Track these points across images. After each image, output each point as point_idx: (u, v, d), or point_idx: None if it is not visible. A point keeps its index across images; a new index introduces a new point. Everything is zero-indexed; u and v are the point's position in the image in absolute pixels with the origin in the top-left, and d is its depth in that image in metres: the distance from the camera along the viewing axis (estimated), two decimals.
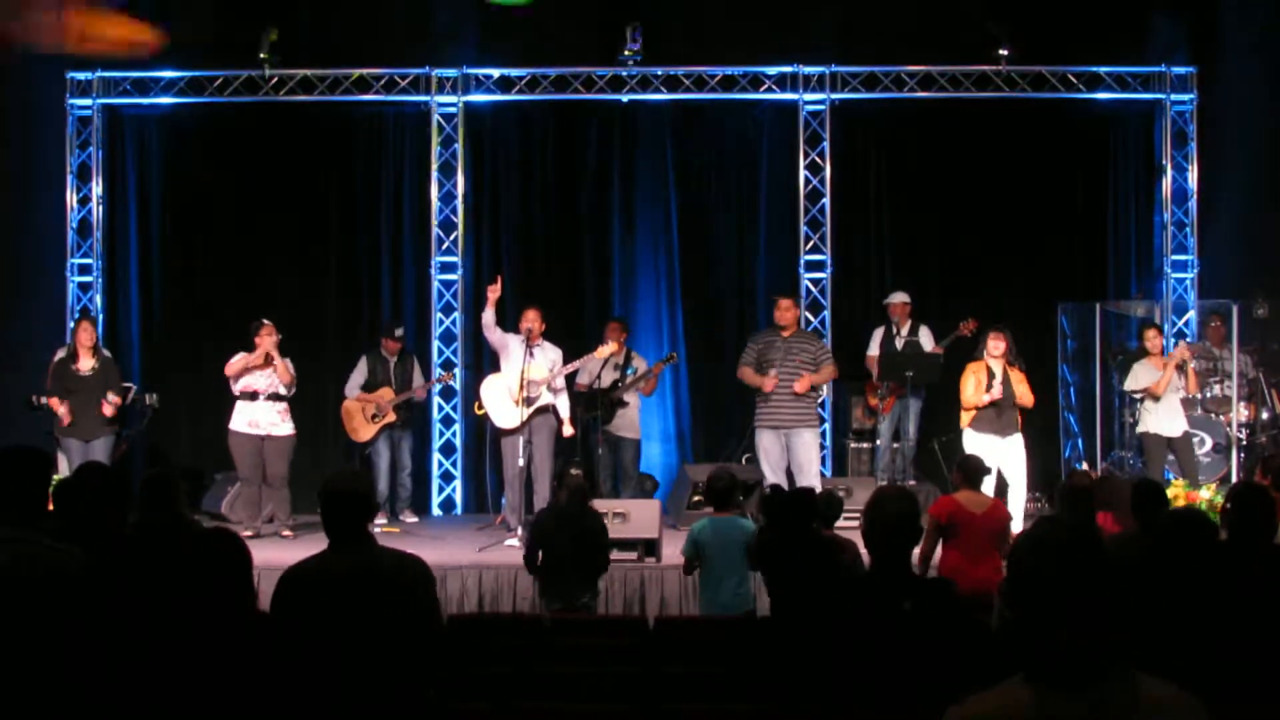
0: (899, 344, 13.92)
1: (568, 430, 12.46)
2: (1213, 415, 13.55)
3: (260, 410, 12.52)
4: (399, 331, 13.83)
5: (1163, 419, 12.58)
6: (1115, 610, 2.82)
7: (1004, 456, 12.03)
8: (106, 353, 13.23)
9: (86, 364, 12.59)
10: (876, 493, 5.34)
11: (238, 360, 12.56)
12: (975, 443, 12.08)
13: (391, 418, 13.45)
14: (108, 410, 12.62)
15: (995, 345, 12.10)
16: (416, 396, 13.88)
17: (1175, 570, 5.35)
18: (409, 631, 4.84)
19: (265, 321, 12.64)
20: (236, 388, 12.57)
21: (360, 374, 13.56)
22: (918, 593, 4.96)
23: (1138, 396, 12.87)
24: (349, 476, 5.18)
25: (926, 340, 13.93)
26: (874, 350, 14.10)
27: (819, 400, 12.34)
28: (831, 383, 14.58)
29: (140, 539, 6.67)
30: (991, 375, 12.03)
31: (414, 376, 13.73)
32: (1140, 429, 12.82)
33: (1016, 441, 12.13)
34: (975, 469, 9.30)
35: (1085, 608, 2.80)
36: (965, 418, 12.20)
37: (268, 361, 12.52)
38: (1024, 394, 12.11)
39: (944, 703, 2.96)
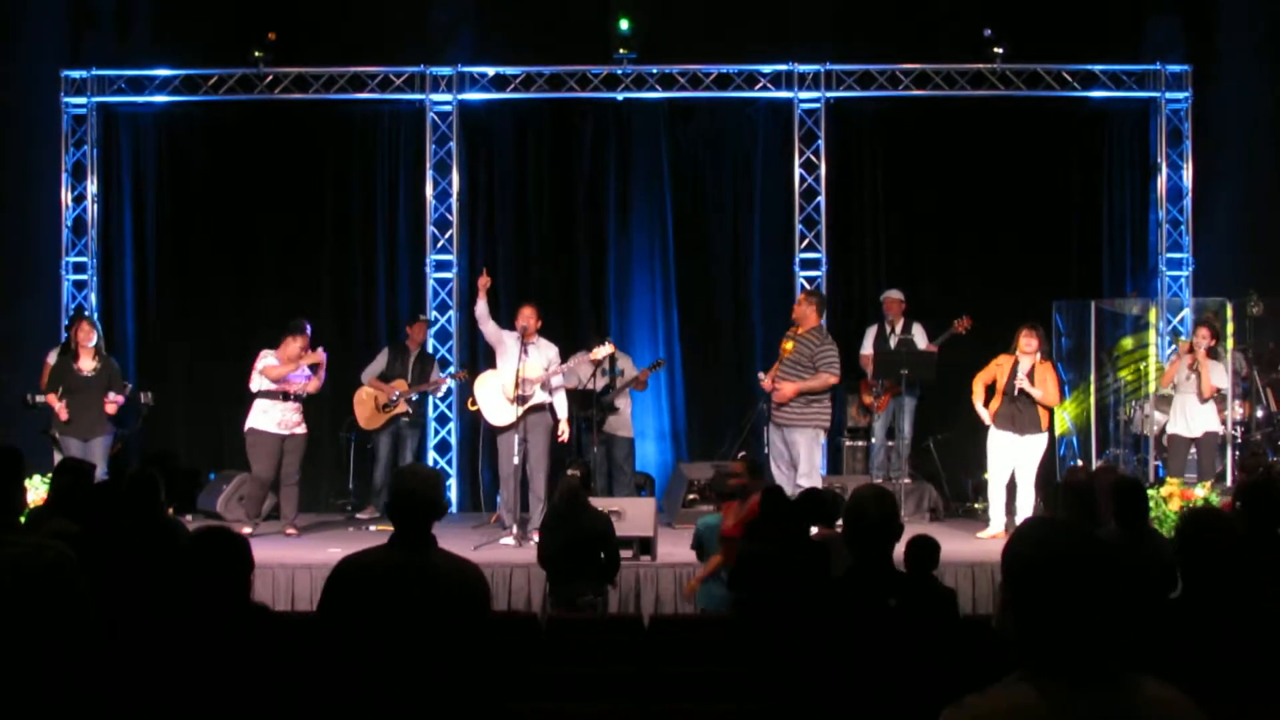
0: (892, 342, 13.91)
1: (563, 431, 12.41)
2: None
3: (289, 410, 12.56)
4: (423, 316, 14.02)
5: (1179, 419, 12.60)
6: (1114, 608, 2.82)
7: (1017, 455, 12.02)
8: (106, 354, 13.17)
9: (88, 364, 12.54)
10: (854, 493, 5.35)
11: (277, 366, 12.54)
12: (994, 440, 12.10)
13: (402, 408, 13.46)
14: (110, 408, 12.60)
15: (1028, 342, 12.02)
16: (433, 392, 13.89)
17: (1197, 570, 5.31)
18: (462, 634, 4.84)
19: (307, 328, 12.67)
20: (263, 385, 12.54)
21: (379, 364, 13.65)
22: (902, 590, 4.97)
23: (1165, 393, 12.93)
24: (422, 476, 5.16)
25: (920, 338, 13.93)
26: (867, 348, 14.08)
27: (821, 400, 12.05)
28: None
29: (134, 537, 6.67)
30: (1015, 373, 11.98)
31: (432, 374, 13.75)
32: (1169, 429, 12.80)
33: (1034, 441, 12.07)
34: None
35: (1084, 604, 2.80)
36: (985, 415, 12.18)
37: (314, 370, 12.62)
38: (1049, 394, 12.02)
39: (934, 701, 2.95)
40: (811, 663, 4.92)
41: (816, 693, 4.88)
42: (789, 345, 11.99)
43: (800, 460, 11.72)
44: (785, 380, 11.77)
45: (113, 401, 12.59)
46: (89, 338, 12.64)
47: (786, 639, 5.31)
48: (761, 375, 12.18)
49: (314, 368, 12.69)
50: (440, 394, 14.44)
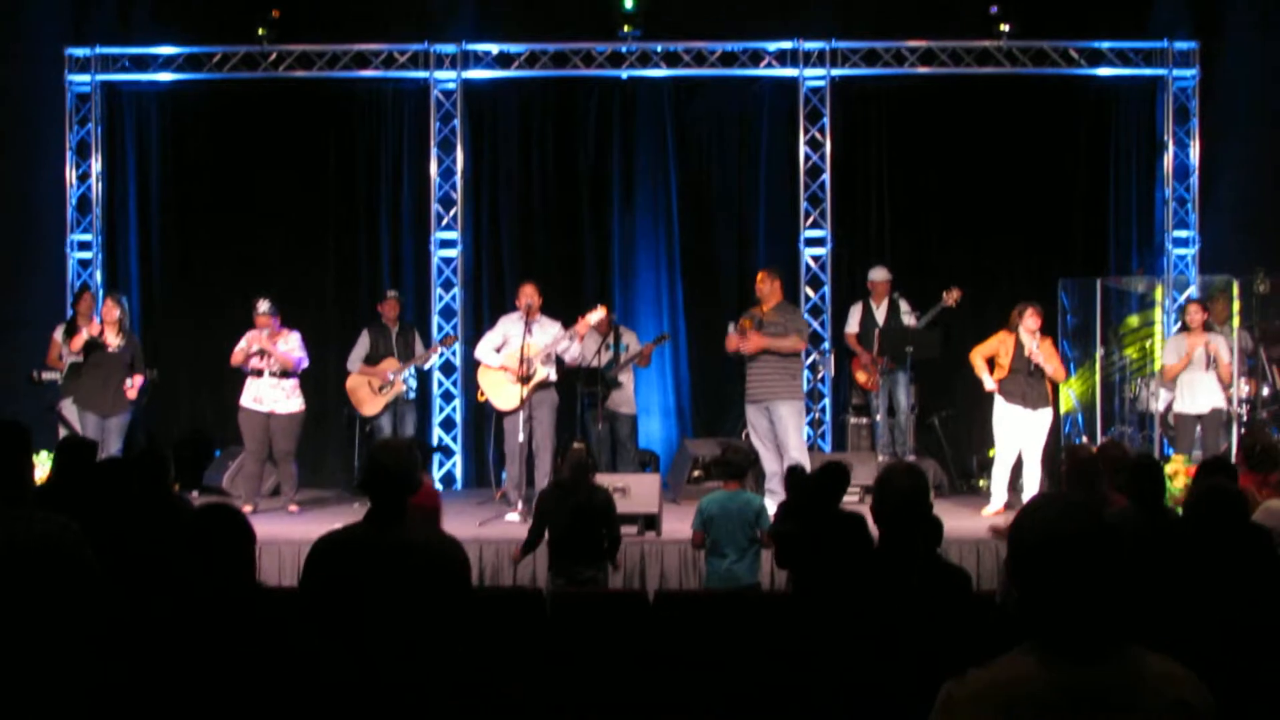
0: (879, 317, 13.91)
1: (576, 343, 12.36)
2: None
3: (265, 387, 12.53)
4: (391, 293, 13.86)
5: (1186, 397, 12.58)
6: (1121, 585, 2.82)
7: (1028, 430, 12.01)
8: (130, 330, 13.12)
9: (113, 339, 12.53)
10: (885, 469, 5.32)
11: (238, 351, 12.55)
12: (1004, 415, 12.08)
13: (400, 388, 13.43)
14: (131, 394, 12.59)
15: (1033, 319, 12.03)
16: (422, 364, 13.86)
17: (1209, 548, 5.30)
18: (439, 608, 4.83)
19: (258, 306, 12.60)
20: (246, 366, 12.58)
21: (362, 347, 13.52)
22: (926, 570, 4.95)
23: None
24: (396, 450, 5.14)
25: (907, 313, 13.92)
26: (853, 327, 14.10)
27: (799, 370, 12.13)
28: (832, 359, 14.61)
29: (141, 515, 6.67)
30: (1020, 347, 11.98)
31: (416, 346, 13.71)
32: (1176, 408, 12.80)
33: (1045, 415, 12.07)
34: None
35: (1091, 582, 2.80)
36: (990, 381, 12.16)
37: (263, 353, 12.54)
38: (1056, 368, 12.09)
39: (939, 678, 2.95)
40: (834, 641, 4.91)
41: (833, 669, 4.88)
42: (749, 323, 11.97)
43: (789, 434, 11.68)
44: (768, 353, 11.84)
45: (133, 387, 12.60)
46: (112, 313, 12.61)
47: (823, 617, 5.31)
48: (732, 331, 12.11)
49: (263, 352, 12.62)
50: (428, 364, 14.34)
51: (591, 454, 11.64)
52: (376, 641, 4.76)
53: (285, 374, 12.60)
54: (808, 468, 9.55)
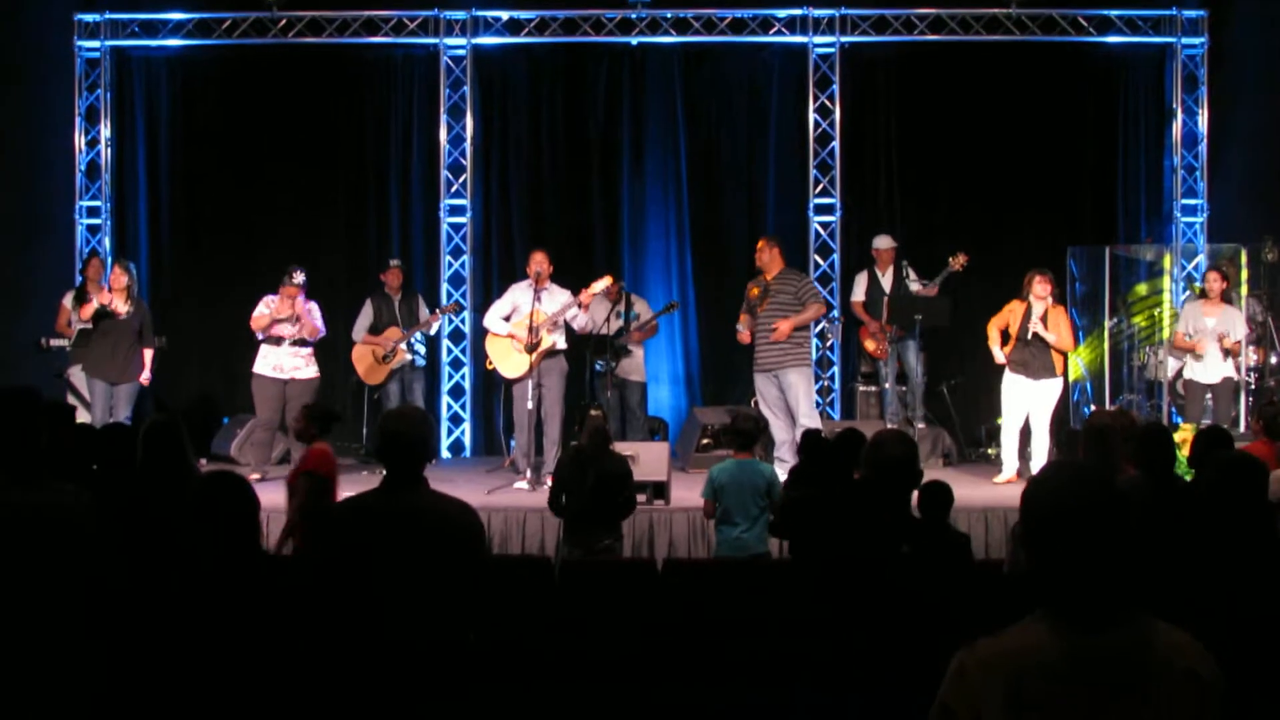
0: (885, 285, 13.89)
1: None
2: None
3: (284, 355, 12.56)
4: (394, 261, 13.86)
5: (1197, 364, 12.53)
6: (1132, 553, 2.84)
7: (1031, 400, 12.01)
8: (139, 298, 13.13)
9: (122, 306, 12.55)
10: (876, 436, 5.32)
11: (263, 315, 12.56)
12: (1008, 384, 12.10)
13: (403, 356, 13.45)
14: (145, 380, 12.65)
15: (1041, 287, 12.02)
16: (426, 331, 13.87)
17: (1228, 519, 5.30)
18: (453, 575, 4.84)
19: (294, 275, 12.60)
20: (261, 333, 12.59)
21: (366, 317, 13.53)
22: (917, 537, 4.97)
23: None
24: (409, 417, 5.11)
25: (914, 280, 13.91)
26: (859, 295, 14.08)
27: (807, 338, 12.19)
28: (840, 326, 14.60)
29: (147, 484, 6.67)
30: (1028, 317, 11.98)
31: (420, 314, 13.72)
32: (1186, 374, 12.75)
33: (1048, 386, 12.04)
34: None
35: (1103, 550, 2.82)
36: (999, 353, 12.19)
37: (291, 316, 12.54)
38: (1063, 338, 12.03)
39: (942, 646, 2.97)
40: (835, 607, 4.94)
41: (831, 636, 4.91)
42: (756, 291, 12.02)
43: (800, 401, 11.74)
44: (779, 320, 11.81)
45: (146, 375, 12.66)
46: (121, 280, 12.62)
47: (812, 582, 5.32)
48: (739, 328, 12.16)
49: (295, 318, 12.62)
50: (432, 330, 14.33)
51: (609, 421, 11.67)
52: (389, 607, 4.77)
53: (303, 342, 12.64)
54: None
